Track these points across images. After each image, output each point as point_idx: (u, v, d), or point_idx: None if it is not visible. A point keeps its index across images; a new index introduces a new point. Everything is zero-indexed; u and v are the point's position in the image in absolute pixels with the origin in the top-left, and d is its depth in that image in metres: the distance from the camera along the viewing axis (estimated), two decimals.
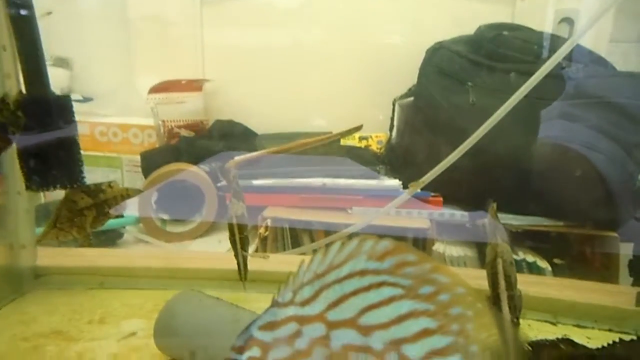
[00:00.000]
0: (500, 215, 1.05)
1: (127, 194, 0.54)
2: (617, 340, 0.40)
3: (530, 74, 1.13)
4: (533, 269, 0.94)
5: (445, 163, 0.66)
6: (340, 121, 1.27)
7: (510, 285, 0.36)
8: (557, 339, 0.42)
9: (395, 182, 1.05)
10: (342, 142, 1.30)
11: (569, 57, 1.05)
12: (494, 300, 0.37)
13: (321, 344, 0.21)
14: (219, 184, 1.06)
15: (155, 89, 1.10)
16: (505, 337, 0.31)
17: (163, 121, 1.10)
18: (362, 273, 0.22)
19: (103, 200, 0.48)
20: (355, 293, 0.22)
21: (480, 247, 1.00)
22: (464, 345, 0.22)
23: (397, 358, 0.22)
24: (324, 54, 1.34)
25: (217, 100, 1.36)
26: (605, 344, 0.40)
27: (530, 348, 0.41)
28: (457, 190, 1.05)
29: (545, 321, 0.54)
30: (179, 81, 1.14)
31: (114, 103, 1.20)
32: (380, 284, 0.23)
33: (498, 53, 1.09)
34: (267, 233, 1.02)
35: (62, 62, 1.23)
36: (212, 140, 1.17)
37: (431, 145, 1.08)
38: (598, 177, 0.87)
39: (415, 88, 1.13)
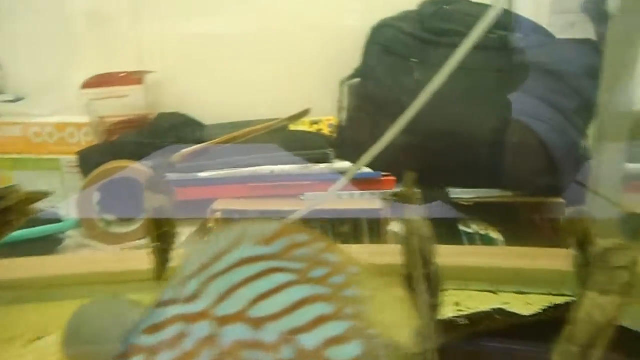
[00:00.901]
0: (451, 190, 1.06)
1: (32, 198, 0.48)
2: (551, 305, 0.40)
3: (476, 48, 1.13)
4: (486, 241, 0.94)
5: (381, 143, 0.65)
6: (290, 106, 1.24)
7: (427, 262, 0.35)
8: (492, 309, 0.42)
9: (346, 165, 1.03)
10: (294, 127, 1.28)
11: (509, 28, 1.06)
12: (409, 279, 0.35)
13: (209, 344, 0.19)
14: (164, 179, 1.01)
15: (88, 84, 1.04)
16: (421, 318, 0.30)
17: (101, 117, 1.05)
18: (251, 260, 0.20)
19: (3, 209, 0.43)
20: (244, 283, 0.20)
21: (435, 223, 1.00)
22: (363, 330, 0.21)
23: (293, 350, 0.20)
24: (269, 39, 1.31)
25: (160, 92, 1.31)
26: (539, 310, 0.40)
27: (467, 322, 0.41)
28: (408, 169, 1.04)
29: (487, 291, 0.54)
30: (115, 74, 1.09)
31: (49, 102, 1.14)
32: (270, 271, 0.21)
33: (440, 28, 1.09)
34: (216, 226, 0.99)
35: None
36: (156, 134, 1.13)
37: (379, 125, 1.07)
38: (542, 145, 0.88)
39: (360, 68, 1.12)
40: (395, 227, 1.02)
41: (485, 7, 1.13)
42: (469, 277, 0.58)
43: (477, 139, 1.00)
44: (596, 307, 0.33)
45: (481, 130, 1.00)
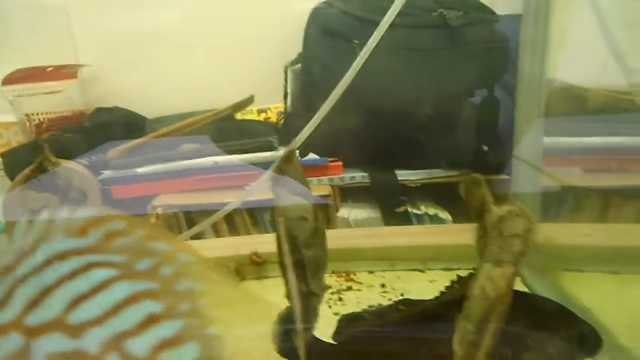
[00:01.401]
0: (399, 172, 1.05)
1: None
2: (453, 282, 0.39)
3: (416, 27, 1.11)
4: (435, 220, 0.93)
5: (307, 128, 0.63)
6: (236, 96, 1.20)
7: (297, 247, 0.32)
8: (395, 302, 0.40)
9: None
10: (241, 117, 1.24)
11: (450, 6, 1.04)
12: (281, 266, 0.33)
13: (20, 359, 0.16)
14: (101, 177, 0.97)
15: (10, 80, 0.97)
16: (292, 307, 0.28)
17: (27, 115, 0.99)
18: (63, 255, 0.17)
19: None
20: (58, 283, 0.17)
21: (384, 207, 0.99)
22: (199, 329, 0.18)
23: (120, 358, 0.17)
24: (211, 28, 1.27)
25: (98, 87, 1.25)
26: (439, 293, 0.39)
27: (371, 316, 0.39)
28: (355, 152, 1.03)
29: (415, 270, 0.53)
30: (42, 69, 1.02)
31: None
32: (87, 267, 0.18)
33: (382, 7, 1.06)
34: (157, 223, 0.95)
35: None
36: (92, 131, 1.07)
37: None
38: (487, 123, 0.87)
39: (302, 52, 1.09)
40: (344, 212, 1.00)
41: None
42: (396, 257, 0.57)
43: (421, 120, 0.99)
44: (488, 280, 0.31)
45: (426, 110, 0.99)
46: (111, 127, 1.11)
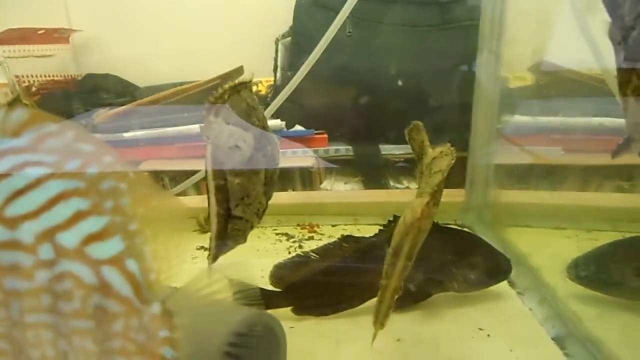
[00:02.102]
0: (383, 146, 1.05)
1: None
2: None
3: (407, 2, 1.11)
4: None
5: (280, 98, 0.64)
6: (227, 68, 1.20)
7: (221, 173, 0.34)
8: (339, 238, 0.43)
9: (277, 122, 1.01)
10: None
11: None
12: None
13: None
14: None
15: (0, 40, 0.98)
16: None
17: (17, 77, 1.00)
18: (0, 154, 0.19)
19: None
20: None
21: (366, 180, 1.00)
22: (122, 224, 0.20)
23: (51, 249, 0.19)
24: (202, 1, 1.26)
25: (90, 53, 1.25)
26: (377, 231, 0.42)
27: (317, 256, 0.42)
28: (340, 126, 1.04)
29: (374, 224, 0.56)
30: (33, 31, 1.03)
31: None
32: (22, 165, 0.19)
33: None
34: None
35: None
36: (82, 95, 1.08)
37: (312, 81, 1.05)
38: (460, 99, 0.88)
39: (292, 25, 1.09)
40: (327, 184, 1.02)
41: None
42: (359, 213, 0.60)
43: (406, 94, 1.00)
44: (409, 209, 0.33)
45: (411, 85, 1.00)
46: (101, 92, 1.12)
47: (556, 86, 0.91)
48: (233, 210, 0.34)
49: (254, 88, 1.30)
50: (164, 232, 0.21)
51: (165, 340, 0.20)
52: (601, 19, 0.31)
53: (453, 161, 0.35)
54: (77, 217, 0.19)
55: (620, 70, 0.31)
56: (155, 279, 0.20)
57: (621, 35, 0.30)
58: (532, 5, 0.64)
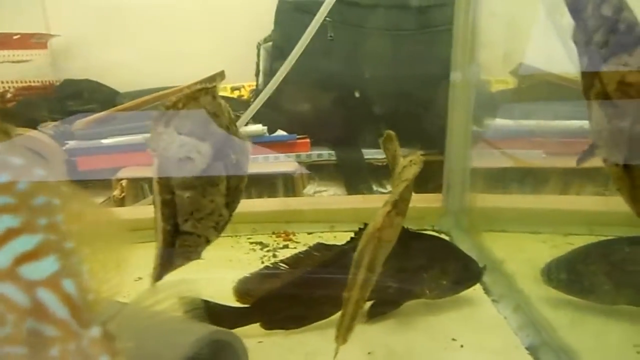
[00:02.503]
0: (366, 150, 1.05)
1: None
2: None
3: (387, 7, 1.11)
4: None
5: (257, 103, 0.63)
6: (208, 73, 1.19)
7: (168, 188, 0.32)
8: (309, 247, 0.42)
9: (258, 127, 1.01)
10: None
11: None
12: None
13: None
14: (65, 148, 0.96)
15: None
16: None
17: None
18: None
19: None
20: None
21: (348, 184, 1.00)
22: (57, 242, 0.19)
23: None
24: (184, 5, 1.25)
25: (69, 58, 1.23)
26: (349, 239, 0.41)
27: (286, 266, 0.41)
28: (322, 130, 1.03)
29: (352, 230, 0.55)
30: (9, 35, 1.01)
31: None
32: None
33: None
34: (122, 195, 0.95)
35: None
36: (60, 102, 1.06)
37: (293, 86, 1.05)
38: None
39: (273, 29, 1.08)
40: (310, 189, 1.01)
41: None
42: (335, 220, 0.59)
43: (388, 99, 0.99)
44: (372, 219, 0.33)
45: (393, 90, 1.00)
46: (79, 98, 1.10)
47: (537, 89, 0.91)
48: (182, 225, 0.33)
49: (237, 92, 1.30)
50: (102, 248, 0.20)
51: None
52: (567, 22, 0.31)
53: (419, 170, 0.35)
54: (8, 235, 0.18)
55: (584, 74, 0.30)
56: (95, 300, 0.19)
57: (584, 39, 0.29)
58: (505, 8, 0.64)
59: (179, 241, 0.33)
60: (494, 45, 0.82)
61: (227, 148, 0.34)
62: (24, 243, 0.18)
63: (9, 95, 1.01)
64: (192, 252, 0.34)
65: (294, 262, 0.42)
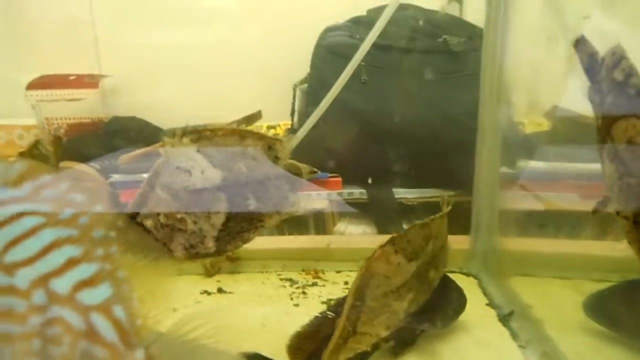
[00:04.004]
0: (397, 190, 1.06)
1: None
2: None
3: (420, 52, 1.14)
4: None
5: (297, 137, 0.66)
6: (247, 112, 1.24)
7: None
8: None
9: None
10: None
11: (453, 33, 1.08)
12: None
13: None
14: (110, 181, 1.02)
15: (34, 85, 1.04)
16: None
17: (47, 119, 1.05)
18: (1, 203, 0.20)
19: None
20: None
21: (378, 223, 1.01)
22: (112, 271, 0.21)
23: (44, 295, 0.20)
24: (226, 49, 1.32)
25: (118, 97, 1.31)
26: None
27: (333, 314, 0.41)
28: (354, 170, 1.05)
29: None
30: (65, 77, 1.09)
31: None
32: (20, 214, 0.21)
33: (387, 31, 1.10)
34: None
35: None
36: (107, 137, 1.13)
37: (327, 126, 1.08)
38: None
39: (310, 72, 1.13)
40: (341, 227, 1.02)
41: (433, 13, 1.16)
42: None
43: (421, 140, 1.01)
44: None
45: (426, 131, 1.01)
46: (125, 134, 1.16)
47: (571, 132, 0.91)
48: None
49: (273, 130, 1.34)
50: (151, 278, 0.22)
51: None
52: (583, 80, 0.32)
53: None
54: (70, 264, 0.21)
55: (598, 131, 0.31)
56: (141, 325, 0.21)
57: (598, 100, 0.30)
58: (532, 53, 0.66)
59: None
60: (526, 88, 0.84)
61: (246, 188, 0.36)
62: (83, 271, 0.21)
63: (62, 131, 1.08)
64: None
65: (338, 307, 0.42)
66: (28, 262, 0.20)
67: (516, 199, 0.74)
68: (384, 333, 0.37)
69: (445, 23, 1.11)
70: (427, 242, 0.36)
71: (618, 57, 0.29)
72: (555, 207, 0.77)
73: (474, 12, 1.15)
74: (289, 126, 1.28)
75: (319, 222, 1.01)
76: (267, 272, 0.64)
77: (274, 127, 1.33)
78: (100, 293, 0.21)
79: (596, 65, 0.30)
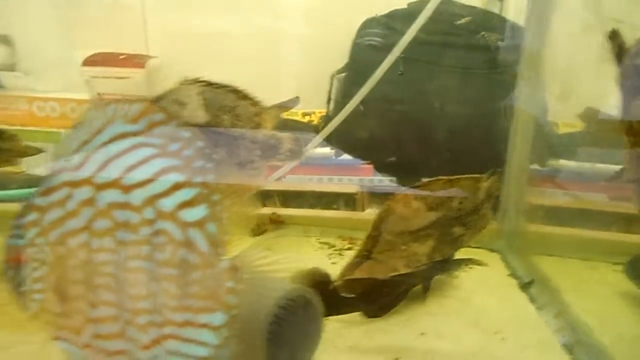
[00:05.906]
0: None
1: (28, 149, 0.54)
2: None
3: (458, 47, 1.16)
4: None
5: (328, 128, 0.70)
6: (284, 98, 1.28)
7: None
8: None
9: (327, 150, 1.08)
10: (286, 116, 1.32)
11: (492, 29, 1.10)
12: None
13: (88, 204, 0.24)
14: None
15: (89, 62, 1.11)
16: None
17: (99, 94, 1.11)
18: (122, 136, 0.25)
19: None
20: (118, 156, 0.25)
21: None
22: (208, 195, 0.25)
23: (153, 211, 0.25)
24: (267, 36, 1.36)
25: (162, 77, 1.37)
26: None
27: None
28: (386, 158, 1.09)
29: None
30: (116, 55, 1.15)
31: (54, 78, 1.21)
32: (137, 146, 0.25)
33: (427, 26, 1.12)
34: None
35: (2, 39, 1.23)
36: None
37: (363, 115, 1.11)
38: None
39: (348, 62, 1.16)
40: (370, 212, 1.06)
41: (471, 8, 1.18)
42: None
43: (454, 133, 1.04)
44: None
45: (459, 125, 1.04)
46: None
47: (604, 134, 0.92)
48: None
49: (308, 117, 1.38)
50: (237, 205, 0.26)
51: (231, 289, 0.25)
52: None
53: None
54: (175, 187, 0.25)
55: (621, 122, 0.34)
56: (228, 240, 0.26)
57: (629, 84, 0.33)
58: (571, 53, 0.68)
59: None
60: (562, 88, 0.85)
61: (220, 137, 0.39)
62: (185, 194, 0.25)
63: None
64: None
65: None
66: (142, 185, 0.25)
67: (544, 195, 0.77)
68: (404, 270, 0.41)
69: (485, 20, 1.13)
70: (451, 198, 0.39)
71: None
72: (583, 206, 0.79)
73: (515, 10, 1.17)
74: (324, 113, 1.31)
75: (349, 205, 1.05)
76: (307, 236, 0.70)
77: (309, 114, 1.37)
78: (197, 212, 0.25)
79: (624, 54, 0.33)
